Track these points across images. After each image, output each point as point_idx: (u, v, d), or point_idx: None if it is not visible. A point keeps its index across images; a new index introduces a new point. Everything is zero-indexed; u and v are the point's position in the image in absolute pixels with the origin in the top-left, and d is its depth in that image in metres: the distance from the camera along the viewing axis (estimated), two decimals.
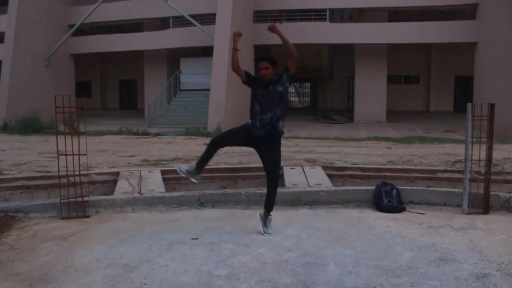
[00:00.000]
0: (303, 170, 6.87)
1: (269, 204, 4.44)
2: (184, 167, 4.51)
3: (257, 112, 4.29)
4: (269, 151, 4.33)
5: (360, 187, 5.86)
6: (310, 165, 7.40)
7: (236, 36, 4.42)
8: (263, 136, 4.29)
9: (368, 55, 20.02)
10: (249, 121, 4.35)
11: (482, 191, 5.18)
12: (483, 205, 5.15)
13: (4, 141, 12.36)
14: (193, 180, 4.53)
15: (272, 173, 4.36)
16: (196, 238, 4.26)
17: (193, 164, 4.55)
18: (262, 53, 4.42)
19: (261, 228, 4.40)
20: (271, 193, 4.43)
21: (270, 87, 4.30)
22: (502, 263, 3.64)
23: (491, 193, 5.22)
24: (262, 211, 4.49)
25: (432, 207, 5.41)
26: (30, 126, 15.10)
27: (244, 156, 8.67)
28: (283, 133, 4.40)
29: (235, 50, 4.40)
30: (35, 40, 19.68)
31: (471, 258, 3.74)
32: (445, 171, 7.08)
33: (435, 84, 25.42)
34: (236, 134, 4.42)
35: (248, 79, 4.39)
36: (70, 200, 5.01)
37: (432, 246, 4.04)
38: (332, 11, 20.01)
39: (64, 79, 21.34)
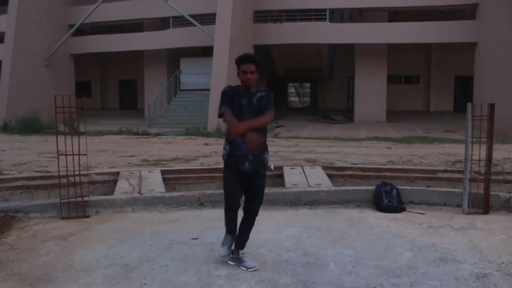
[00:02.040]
0: (303, 170, 6.87)
1: (243, 240, 3.71)
2: (223, 251, 3.68)
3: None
4: (256, 182, 3.63)
5: (360, 187, 5.86)
6: (310, 165, 7.39)
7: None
8: (252, 171, 3.56)
9: (368, 55, 20.01)
10: (225, 152, 3.61)
11: (482, 191, 5.18)
12: (483, 205, 5.15)
13: (4, 141, 12.35)
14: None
15: (257, 204, 3.66)
16: (196, 238, 4.26)
17: (225, 245, 3.69)
18: (246, 53, 3.62)
19: (241, 266, 3.59)
20: (248, 227, 3.70)
21: (253, 98, 3.55)
22: (502, 263, 3.64)
23: (491, 193, 5.22)
24: (226, 252, 3.67)
25: (432, 207, 5.41)
26: (30, 126, 15.10)
27: None
28: (268, 166, 3.76)
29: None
30: (35, 40, 19.68)
31: (471, 258, 3.74)
32: (445, 171, 7.08)
33: (435, 84, 25.41)
34: (229, 179, 3.58)
35: (231, 102, 3.55)
36: (70, 200, 5.01)
37: (432, 246, 4.03)
38: (332, 11, 19.99)
39: (64, 79, 21.34)
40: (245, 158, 3.53)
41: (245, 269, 3.55)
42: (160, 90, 20.10)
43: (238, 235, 3.69)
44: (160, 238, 4.28)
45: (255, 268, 3.55)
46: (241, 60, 3.54)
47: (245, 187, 3.63)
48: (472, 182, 5.27)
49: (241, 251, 3.69)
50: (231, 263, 3.65)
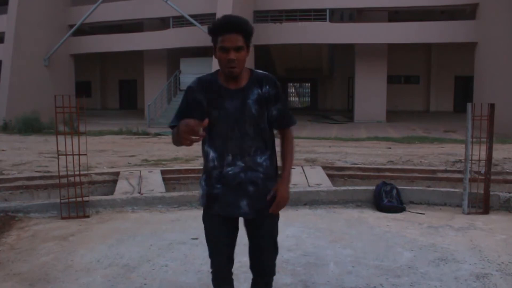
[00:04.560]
0: (303, 170, 6.87)
1: None
2: None
3: (213, 157, 2.19)
4: (260, 225, 2.34)
5: (360, 187, 5.86)
6: (310, 165, 7.39)
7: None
8: (254, 214, 2.27)
9: (368, 55, 20.01)
10: (202, 192, 2.29)
11: (482, 191, 5.17)
12: (483, 205, 5.14)
13: (4, 141, 12.36)
14: None
15: (266, 260, 2.39)
16: (196, 238, 4.26)
17: None
18: (226, 16, 2.11)
19: None
20: None
21: (247, 98, 2.14)
22: (502, 263, 3.63)
23: (491, 193, 5.21)
24: None
25: (432, 207, 5.40)
26: (30, 126, 15.12)
27: None
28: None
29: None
30: (35, 40, 19.68)
31: (471, 258, 3.74)
32: (445, 171, 7.08)
33: (435, 84, 25.42)
34: (212, 230, 2.33)
35: (193, 103, 2.18)
36: (70, 200, 5.01)
37: (432, 246, 4.03)
38: (332, 11, 20.01)
39: (64, 79, 21.34)
40: (242, 195, 2.19)
41: None
42: (160, 90, 20.12)
43: None
44: (160, 238, 4.28)
45: None
46: (217, 28, 2.08)
47: (246, 231, 2.38)
48: (472, 182, 5.27)
49: None
50: None
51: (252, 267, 2.39)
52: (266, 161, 2.21)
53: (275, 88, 2.19)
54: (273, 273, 2.40)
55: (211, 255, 2.36)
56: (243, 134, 2.14)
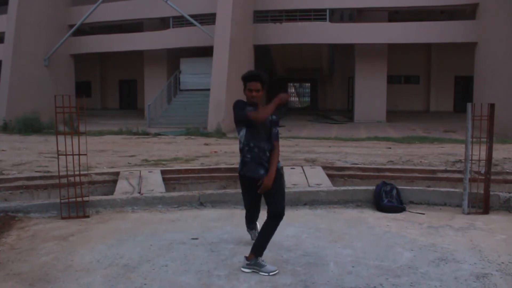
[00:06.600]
0: (303, 170, 6.87)
1: (262, 246, 3.60)
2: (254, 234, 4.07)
3: (246, 143, 3.66)
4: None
5: (360, 187, 5.86)
6: (310, 165, 7.40)
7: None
8: (254, 179, 3.61)
9: (368, 55, 20.01)
10: (239, 162, 3.79)
11: (482, 191, 5.18)
12: (483, 205, 5.15)
13: (4, 141, 12.36)
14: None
15: (274, 201, 3.58)
16: (196, 238, 4.27)
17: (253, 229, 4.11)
18: (252, 71, 3.73)
19: (260, 272, 3.47)
20: (269, 232, 3.61)
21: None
22: (502, 263, 3.64)
23: (491, 193, 5.22)
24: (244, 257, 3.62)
25: (432, 207, 5.41)
26: (30, 126, 15.12)
27: None
28: (279, 167, 3.71)
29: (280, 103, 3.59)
30: (35, 40, 19.67)
31: (471, 258, 3.74)
32: (445, 171, 7.08)
33: (435, 84, 25.40)
34: (242, 190, 3.85)
35: (245, 107, 3.68)
36: (70, 200, 5.01)
37: (432, 246, 4.04)
38: (332, 11, 19.99)
39: (64, 79, 21.33)
40: (259, 166, 3.61)
41: (266, 274, 3.42)
42: (160, 90, 20.11)
43: (256, 240, 3.62)
44: (160, 238, 4.28)
45: (276, 272, 3.44)
46: (246, 78, 3.60)
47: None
48: (472, 182, 5.27)
49: (260, 258, 3.53)
50: (246, 270, 3.50)
51: (269, 211, 3.58)
52: (269, 150, 3.65)
53: (277, 117, 3.73)
54: (283, 215, 3.58)
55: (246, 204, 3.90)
56: (261, 135, 3.63)
